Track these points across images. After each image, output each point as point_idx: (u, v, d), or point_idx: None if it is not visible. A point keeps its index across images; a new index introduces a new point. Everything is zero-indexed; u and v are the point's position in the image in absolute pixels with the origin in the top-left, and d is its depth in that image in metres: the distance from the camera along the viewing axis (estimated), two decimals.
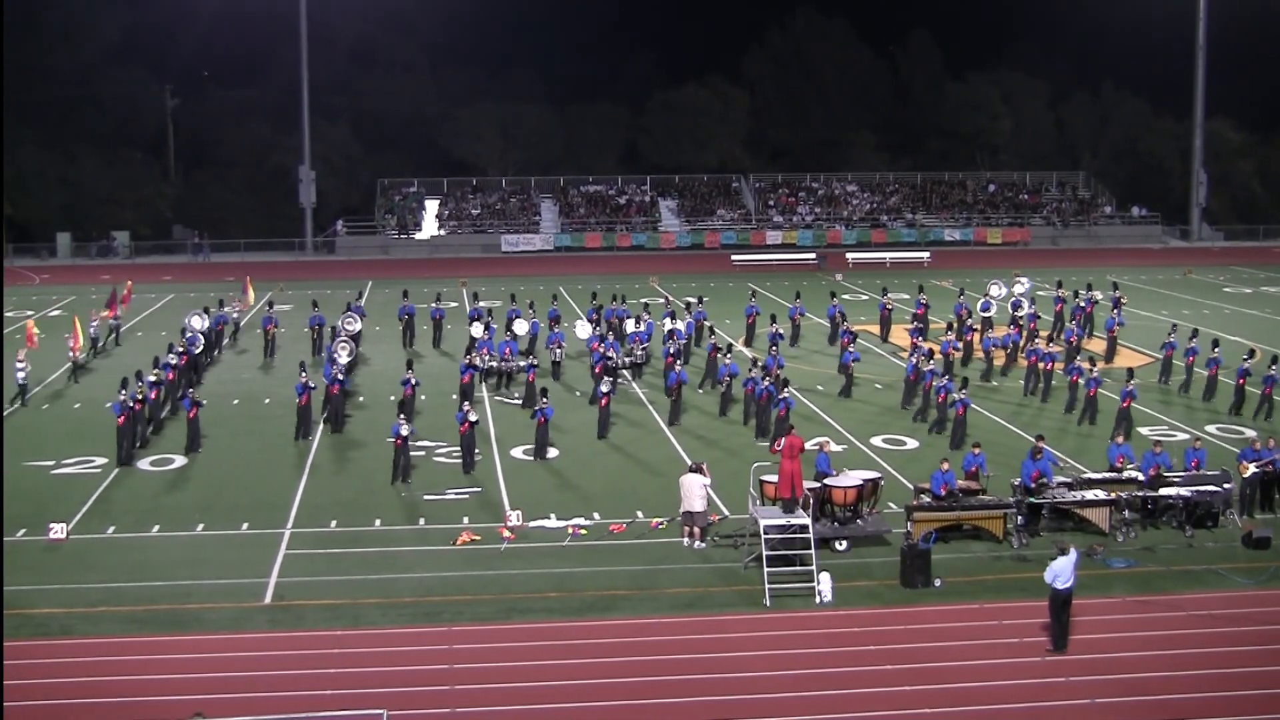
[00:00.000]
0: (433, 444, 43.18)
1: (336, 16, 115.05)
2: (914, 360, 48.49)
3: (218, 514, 35.96)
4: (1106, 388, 47.95)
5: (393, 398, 48.90)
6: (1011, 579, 30.59)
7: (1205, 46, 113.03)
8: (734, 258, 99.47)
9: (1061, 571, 26.57)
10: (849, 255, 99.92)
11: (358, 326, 57.81)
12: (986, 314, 60.34)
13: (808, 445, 35.57)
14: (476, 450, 40.69)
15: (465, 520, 35.15)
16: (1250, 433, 42.14)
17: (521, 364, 50.77)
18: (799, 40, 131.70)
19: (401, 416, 39.54)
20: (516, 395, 50.03)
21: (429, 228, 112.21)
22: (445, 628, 27.89)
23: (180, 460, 41.51)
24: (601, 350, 50.50)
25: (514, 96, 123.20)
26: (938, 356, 51.80)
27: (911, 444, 43.05)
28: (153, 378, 45.41)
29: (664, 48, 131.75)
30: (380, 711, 23.36)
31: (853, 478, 33.67)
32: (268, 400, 50.57)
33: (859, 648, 26.88)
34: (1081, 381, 46.70)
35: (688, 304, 62.69)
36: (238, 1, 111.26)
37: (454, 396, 47.99)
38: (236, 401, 50.48)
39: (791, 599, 29.22)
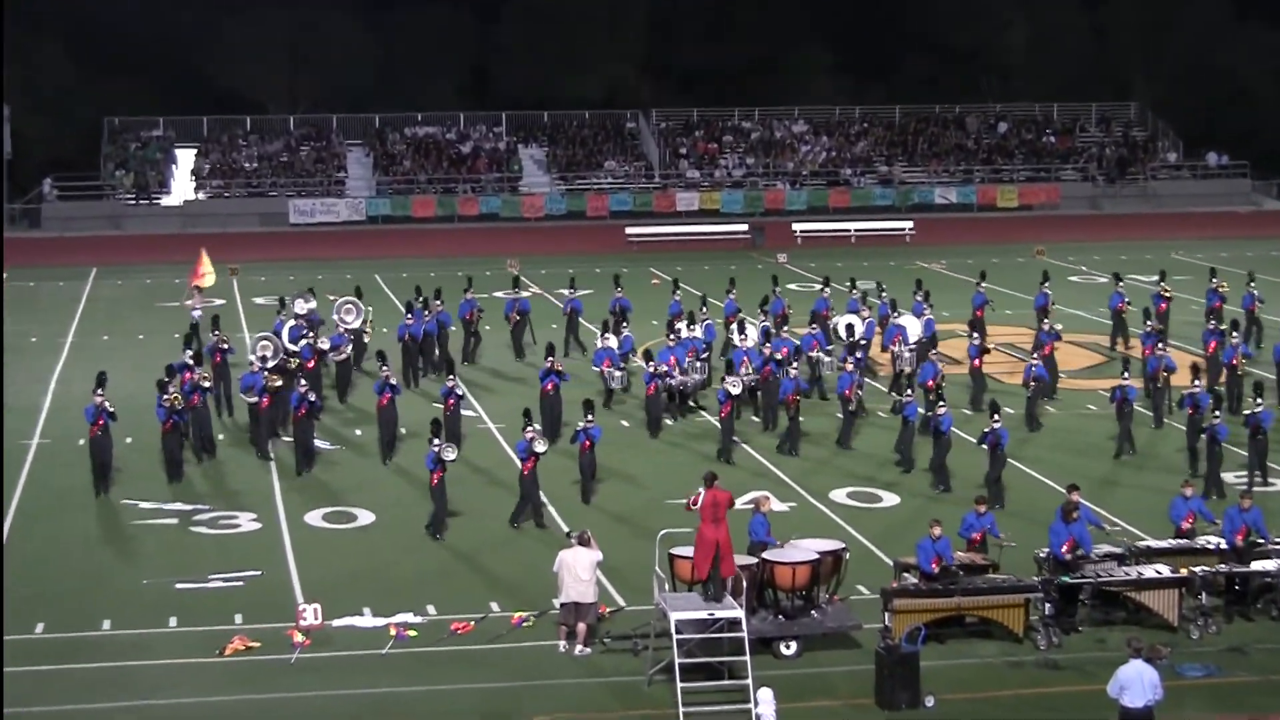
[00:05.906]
0: (189, 507, 42.81)
1: None
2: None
3: None
4: None
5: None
6: (1036, 695, 30.77)
7: None
8: (630, 231, 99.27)
9: (1131, 683, 26.27)
10: (796, 227, 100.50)
11: (356, 322, 59.13)
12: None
13: (738, 503, 35.54)
14: None
15: (238, 619, 34.86)
16: None
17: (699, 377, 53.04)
18: None
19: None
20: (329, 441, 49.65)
21: (181, 189, 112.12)
22: None
23: None
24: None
25: (308, 2, 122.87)
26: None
27: (890, 499, 43.14)
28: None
29: None
30: None
31: (805, 550, 33.74)
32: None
33: None
34: None
35: (864, 295, 61.73)
36: None
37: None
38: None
39: None
